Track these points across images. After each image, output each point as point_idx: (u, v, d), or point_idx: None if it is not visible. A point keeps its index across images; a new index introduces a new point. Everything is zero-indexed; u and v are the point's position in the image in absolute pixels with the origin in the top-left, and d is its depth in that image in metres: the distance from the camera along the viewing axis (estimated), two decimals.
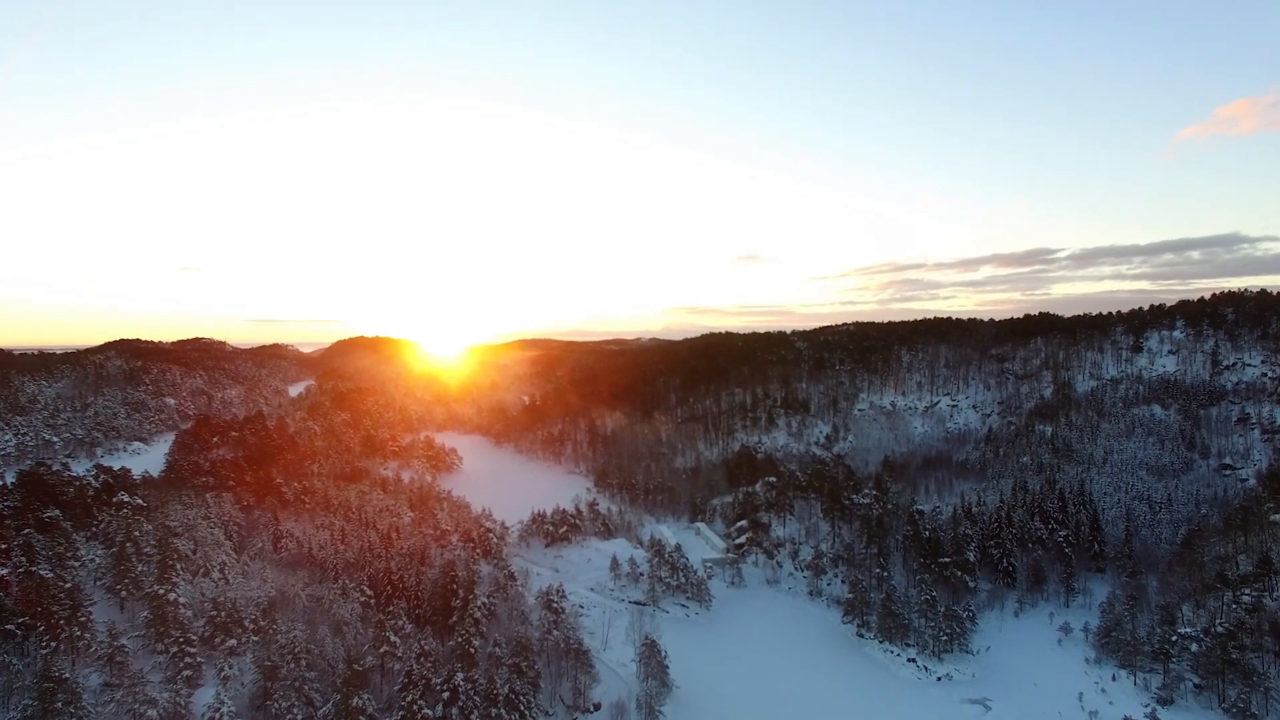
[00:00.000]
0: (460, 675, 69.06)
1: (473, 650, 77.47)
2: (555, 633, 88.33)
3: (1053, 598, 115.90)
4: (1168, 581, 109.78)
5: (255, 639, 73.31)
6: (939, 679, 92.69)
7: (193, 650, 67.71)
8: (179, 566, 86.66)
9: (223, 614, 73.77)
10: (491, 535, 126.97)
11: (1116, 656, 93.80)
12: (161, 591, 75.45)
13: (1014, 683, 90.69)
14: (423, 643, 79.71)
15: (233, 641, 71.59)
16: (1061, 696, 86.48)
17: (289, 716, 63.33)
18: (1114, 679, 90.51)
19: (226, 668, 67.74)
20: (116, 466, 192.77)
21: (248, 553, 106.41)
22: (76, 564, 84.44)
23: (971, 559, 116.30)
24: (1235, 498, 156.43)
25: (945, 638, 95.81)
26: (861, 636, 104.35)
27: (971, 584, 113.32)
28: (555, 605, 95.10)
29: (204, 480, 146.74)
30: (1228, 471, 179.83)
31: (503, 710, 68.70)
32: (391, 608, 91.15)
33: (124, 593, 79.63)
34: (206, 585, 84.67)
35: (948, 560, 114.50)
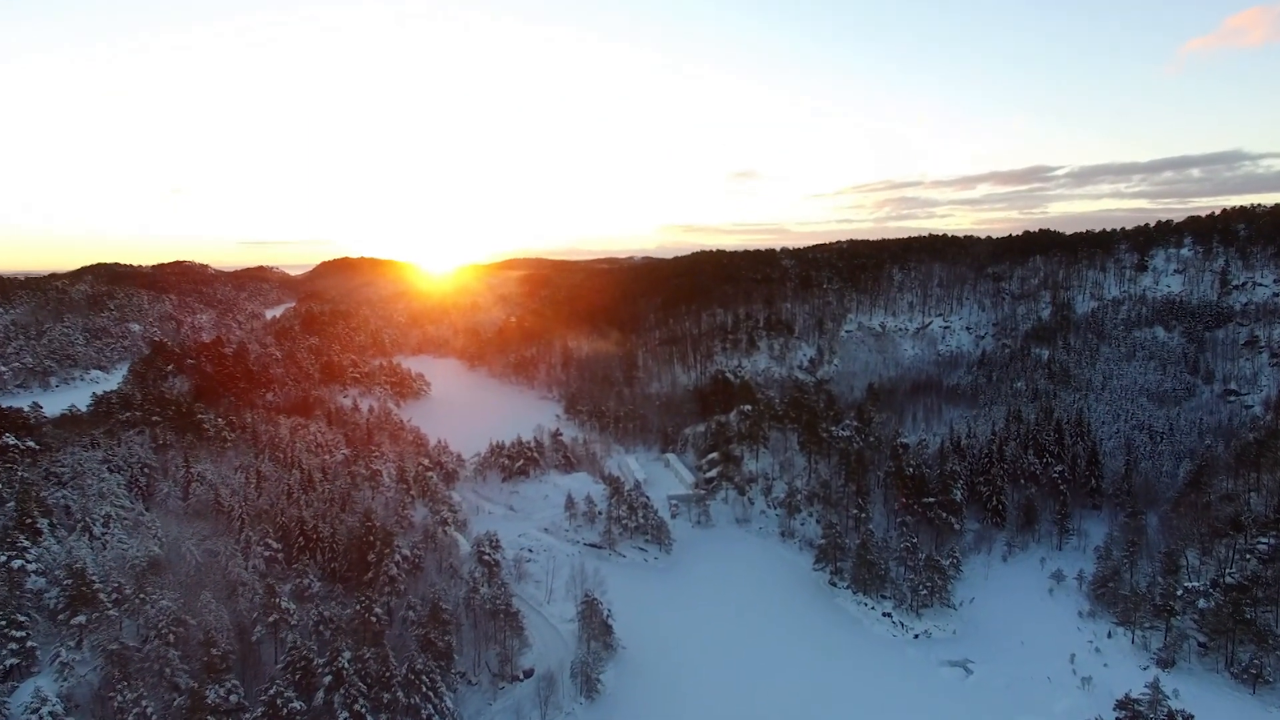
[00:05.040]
0: (347, 654, 58.43)
1: (374, 619, 66.87)
2: (484, 589, 78.00)
3: (1044, 539, 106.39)
4: (1170, 523, 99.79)
5: (114, 612, 62.29)
6: (916, 636, 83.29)
7: (19, 634, 56.75)
8: (47, 523, 75.28)
9: (76, 582, 62.57)
10: (431, 474, 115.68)
11: (1113, 610, 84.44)
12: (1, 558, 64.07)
13: (999, 641, 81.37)
14: (321, 609, 69.51)
15: (81, 618, 60.66)
16: (1051, 657, 77.26)
17: (135, 710, 52.69)
18: (1109, 636, 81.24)
19: (64, 651, 56.85)
20: (71, 396, 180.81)
21: (150, 501, 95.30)
22: None
23: (958, 498, 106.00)
24: (1240, 426, 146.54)
25: (925, 591, 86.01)
26: (834, 585, 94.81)
27: (957, 526, 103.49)
28: (488, 558, 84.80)
29: (129, 415, 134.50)
30: (1232, 398, 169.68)
31: (399, 693, 58.46)
32: (298, 564, 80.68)
33: None
34: (80, 545, 73.27)
35: (932, 500, 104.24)
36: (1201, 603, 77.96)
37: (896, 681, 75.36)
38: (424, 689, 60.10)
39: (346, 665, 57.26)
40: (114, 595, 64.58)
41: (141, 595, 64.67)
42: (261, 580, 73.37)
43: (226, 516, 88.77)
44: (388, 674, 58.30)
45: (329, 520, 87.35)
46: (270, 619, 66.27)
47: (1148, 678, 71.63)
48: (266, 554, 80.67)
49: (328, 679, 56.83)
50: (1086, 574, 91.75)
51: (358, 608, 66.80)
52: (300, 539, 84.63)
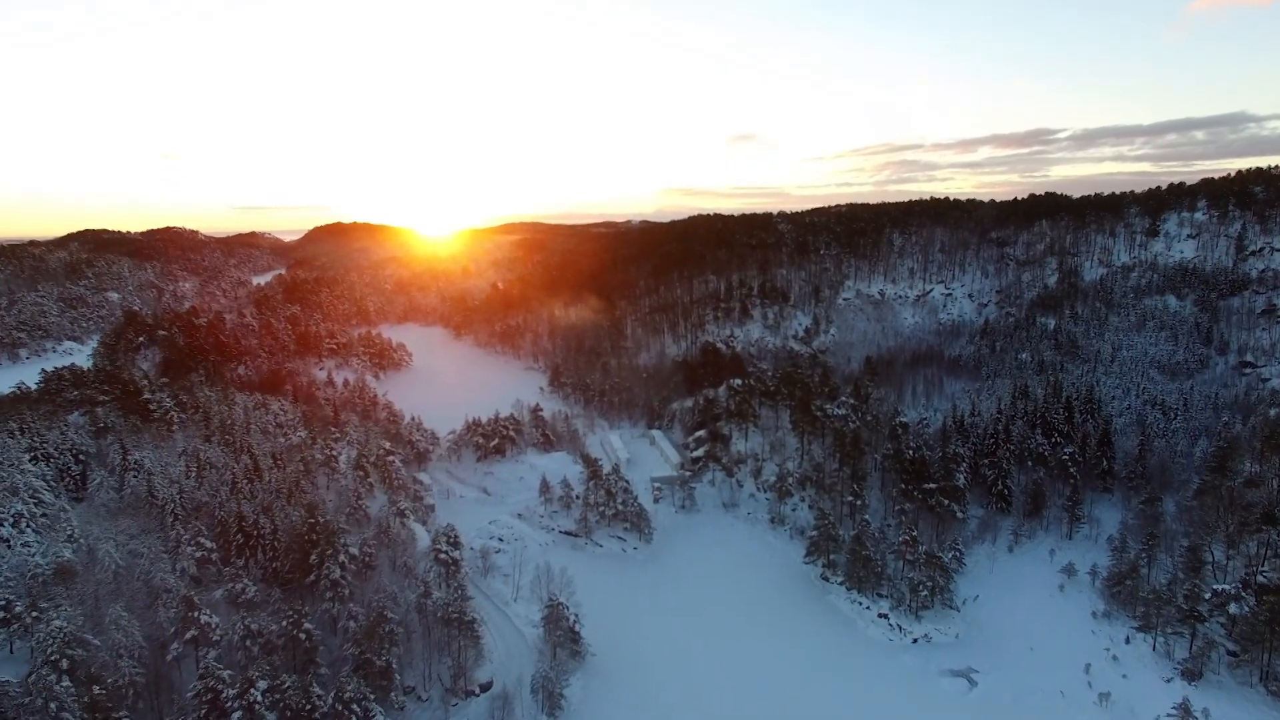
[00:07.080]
0: (262, 684, 50.73)
1: (304, 635, 59.14)
2: (437, 594, 70.42)
3: (1053, 527, 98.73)
4: (1191, 513, 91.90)
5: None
6: (915, 640, 76.08)
7: None
8: None
9: None
10: (393, 457, 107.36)
11: (1130, 611, 77.00)
12: None
13: (1005, 646, 74.07)
14: (249, 621, 61.67)
15: None
16: (1063, 666, 70.01)
17: None
18: (1128, 641, 73.88)
19: None
20: (37, 370, 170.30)
21: (83, 494, 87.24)
22: None
23: (961, 484, 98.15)
24: (1258, 401, 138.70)
25: (925, 590, 78.50)
26: (827, 580, 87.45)
27: (960, 514, 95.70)
28: (445, 556, 76.93)
29: (80, 394, 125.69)
30: (1248, 370, 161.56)
31: None
32: (233, 566, 72.98)
33: None
34: None
35: (934, 486, 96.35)
36: (1233, 607, 70.53)
37: (893, 694, 68.23)
38: (356, 718, 52.54)
39: (260, 698, 49.58)
40: (1, 614, 56.63)
41: (35, 612, 56.81)
42: (188, 587, 65.67)
43: (160, 511, 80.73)
44: (309, 707, 50.65)
45: (272, 514, 79.27)
46: (189, 634, 58.57)
47: (1172, 692, 64.84)
48: (198, 554, 72.80)
49: (237, 715, 49.17)
50: (1100, 568, 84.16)
51: (285, 623, 58.93)
52: (239, 536, 76.70)
